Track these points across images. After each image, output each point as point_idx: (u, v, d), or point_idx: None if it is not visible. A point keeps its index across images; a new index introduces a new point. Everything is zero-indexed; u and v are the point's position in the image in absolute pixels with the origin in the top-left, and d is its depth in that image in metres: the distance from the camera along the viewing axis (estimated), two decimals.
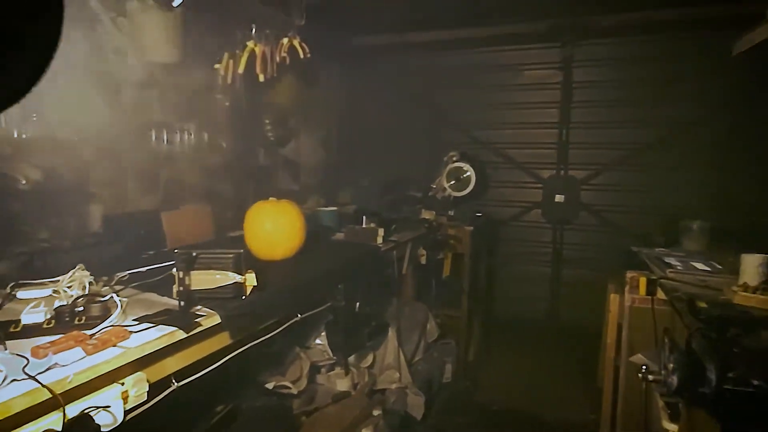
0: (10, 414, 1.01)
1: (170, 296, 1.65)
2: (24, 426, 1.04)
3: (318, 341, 2.85)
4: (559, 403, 3.45)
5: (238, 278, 1.64)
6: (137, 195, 3.25)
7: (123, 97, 3.17)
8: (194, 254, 1.62)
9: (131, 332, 1.32)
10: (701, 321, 1.51)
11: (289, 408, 2.50)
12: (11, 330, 1.30)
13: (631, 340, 2.45)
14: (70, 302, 1.47)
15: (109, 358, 1.20)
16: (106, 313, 1.41)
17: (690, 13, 3.76)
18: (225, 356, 1.68)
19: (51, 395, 1.05)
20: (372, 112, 5.08)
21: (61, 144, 2.83)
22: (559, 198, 4.67)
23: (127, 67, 3.06)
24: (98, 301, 1.44)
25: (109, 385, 1.21)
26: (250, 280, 1.68)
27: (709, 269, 2.23)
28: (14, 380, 1.05)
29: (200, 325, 1.48)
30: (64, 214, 2.67)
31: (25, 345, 1.21)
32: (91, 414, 1.14)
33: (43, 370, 1.10)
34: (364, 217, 2.97)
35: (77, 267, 1.82)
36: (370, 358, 3.05)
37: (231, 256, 1.63)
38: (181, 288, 1.55)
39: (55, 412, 1.08)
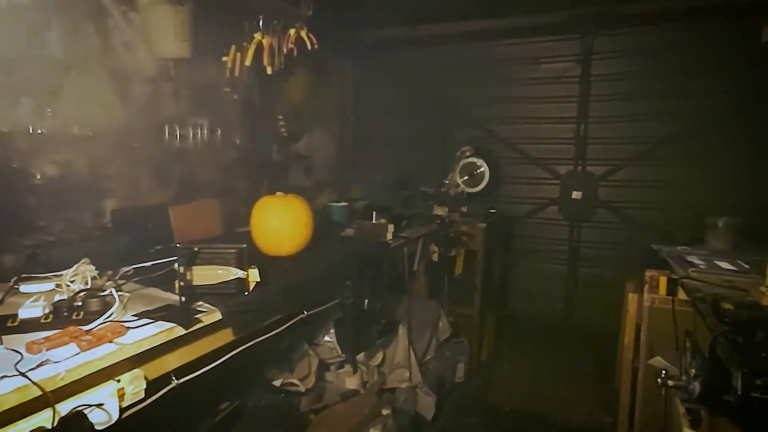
0: None
1: (173, 292, 1.63)
2: (14, 423, 1.01)
3: (327, 338, 2.81)
4: (575, 404, 3.36)
5: (240, 274, 1.60)
6: (148, 190, 3.25)
7: (135, 92, 3.17)
8: (196, 249, 1.58)
9: (128, 328, 1.29)
10: (726, 324, 1.42)
11: (296, 406, 2.46)
12: (8, 324, 1.29)
13: (650, 341, 2.36)
14: (69, 297, 1.44)
15: (104, 355, 1.17)
16: (104, 309, 1.38)
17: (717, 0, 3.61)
18: (228, 353, 1.65)
19: (41, 392, 1.03)
20: (384, 107, 5.02)
21: (73, 139, 2.84)
22: (576, 194, 4.54)
23: (138, 62, 3.06)
24: (97, 296, 1.41)
25: (104, 382, 1.18)
26: (253, 275, 1.65)
27: (735, 269, 2.12)
28: (5, 376, 1.02)
29: (200, 321, 1.45)
30: (74, 208, 2.68)
31: (21, 340, 1.19)
32: (85, 412, 1.11)
33: (34, 366, 1.07)
34: (374, 213, 2.91)
35: (82, 261, 1.81)
36: (379, 356, 3.00)
37: (233, 251, 1.60)
38: (182, 283, 1.52)
39: (47, 409, 1.05)
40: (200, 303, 1.55)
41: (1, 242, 1.96)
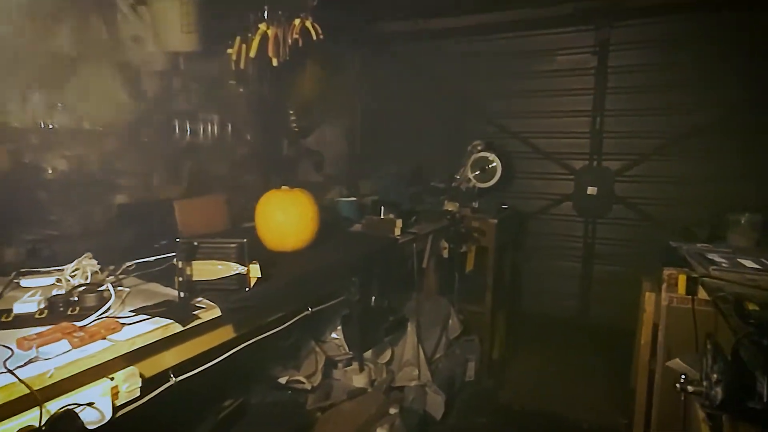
0: None
1: (174, 287, 1.59)
2: (2, 422, 0.98)
3: (334, 335, 2.77)
4: (588, 405, 3.27)
5: (240, 269, 1.55)
6: (158, 185, 3.24)
7: (144, 86, 3.16)
8: (195, 243, 1.54)
9: (123, 324, 1.26)
10: (751, 325, 1.33)
11: (302, 404, 2.42)
12: (2, 319, 1.26)
13: (668, 342, 2.27)
14: (66, 292, 1.42)
15: (95, 352, 1.13)
16: (101, 304, 1.35)
17: None
18: (229, 350, 1.61)
19: (29, 390, 0.99)
20: (395, 101, 4.94)
21: (81, 134, 2.84)
22: (591, 190, 4.43)
23: (147, 56, 3.04)
24: (93, 291, 1.38)
25: (96, 380, 1.15)
26: (254, 271, 1.60)
27: (759, 267, 2.01)
28: None
29: (198, 318, 1.41)
30: (81, 203, 2.68)
31: (14, 336, 1.16)
32: (76, 411, 1.08)
33: (23, 363, 1.04)
34: (382, 208, 2.85)
35: (84, 256, 1.79)
36: (388, 354, 2.95)
37: (234, 245, 1.55)
38: (181, 279, 1.48)
39: (35, 408, 1.02)
40: (200, 299, 1.51)
41: (5, 236, 1.95)
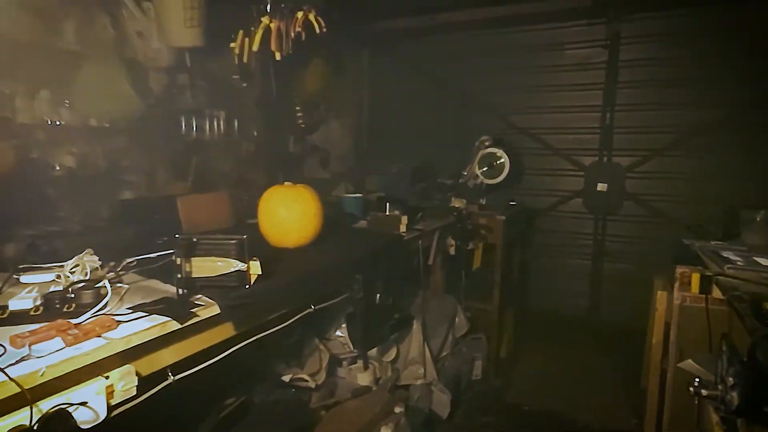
0: None
1: (174, 284, 1.57)
2: None
3: (339, 333, 2.74)
4: (598, 406, 3.22)
5: (240, 266, 1.52)
6: (161, 181, 3.24)
7: (150, 82, 3.15)
8: (195, 240, 1.52)
9: (119, 322, 1.23)
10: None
11: (306, 402, 2.40)
12: None
13: (680, 342, 2.21)
14: (64, 288, 1.39)
15: (90, 350, 1.10)
16: (97, 301, 1.33)
17: None
18: (229, 348, 1.58)
19: (20, 389, 0.97)
20: (402, 97, 4.90)
21: (84, 130, 2.84)
22: (601, 186, 4.36)
23: (153, 53, 3.03)
24: (90, 288, 1.35)
25: (90, 378, 1.12)
26: (254, 268, 1.57)
27: None
28: None
29: (197, 315, 1.38)
30: (86, 199, 2.67)
31: (8, 333, 1.14)
32: (69, 410, 1.06)
33: (15, 361, 1.02)
34: (387, 204, 2.81)
35: (85, 252, 1.77)
36: (393, 352, 2.92)
37: (233, 242, 1.52)
38: (180, 275, 1.46)
39: (27, 407, 1.00)
40: (199, 296, 1.49)
41: (7, 232, 1.94)
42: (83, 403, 1.06)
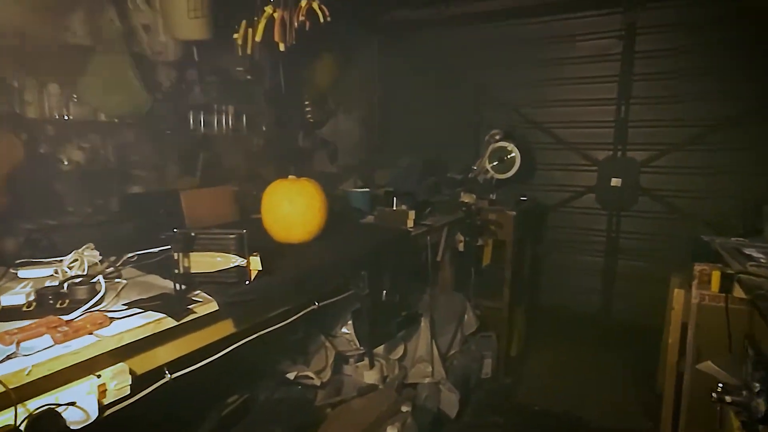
0: None
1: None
2: None
3: (345, 329, 2.69)
4: (610, 406, 3.13)
5: (240, 261, 1.48)
6: (169, 175, 3.21)
7: (158, 77, 3.13)
8: (193, 234, 1.47)
9: (112, 319, 1.19)
10: None
11: (311, 400, 2.36)
12: None
13: (698, 342, 2.12)
14: (59, 284, 1.36)
15: (79, 348, 1.06)
16: (92, 297, 1.29)
17: None
18: (230, 345, 1.54)
19: (4, 388, 0.93)
20: (412, 91, 4.82)
21: (92, 125, 2.82)
22: (615, 182, 4.24)
23: (160, 46, 2.99)
24: (85, 284, 1.32)
25: (80, 377, 1.08)
26: (255, 263, 1.52)
27: None
28: None
29: (194, 312, 1.33)
30: (92, 194, 2.65)
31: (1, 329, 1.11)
32: (58, 410, 1.02)
33: (0, 359, 0.98)
34: (394, 199, 2.75)
35: (85, 246, 1.74)
36: (400, 350, 2.87)
37: (232, 236, 1.47)
38: (177, 271, 1.41)
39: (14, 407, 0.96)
40: (197, 292, 1.44)
41: (9, 226, 1.92)
42: (72, 403, 1.02)
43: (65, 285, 1.32)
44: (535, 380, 3.50)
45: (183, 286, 1.41)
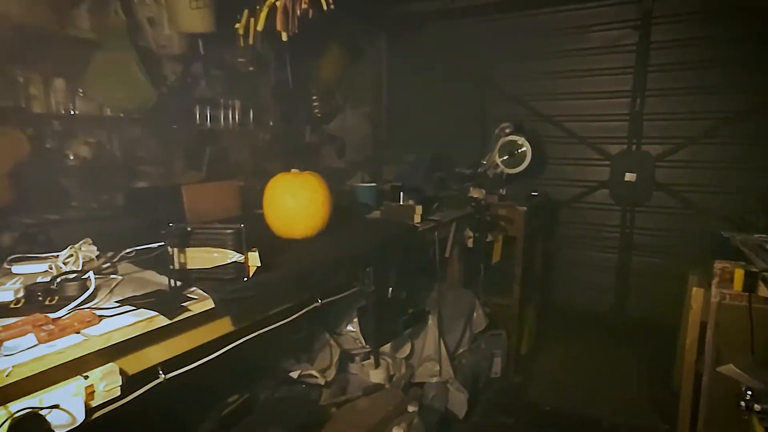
0: None
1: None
2: None
3: (350, 327, 2.64)
4: (624, 407, 3.05)
5: (237, 257, 1.42)
6: (175, 170, 3.18)
7: (163, 71, 3.09)
8: (189, 229, 1.42)
9: (101, 317, 1.14)
10: None
11: (315, 399, 2.30)
12: None
13: (718, 343, 2.03)
14: (50, 280, 1.31)
15: (64, 348, 1.01)
16: (82, 293, 1.24)
17: None
18: (227, 344, 1.49)
19: None
20: (420, 84, 4.73)
21: (98, 120, 2.79)
22: (629, 176, 4.13)
23: (164, 39, 2.96)
24: (76, 280, 1.27)
25: (66, 378, 1.03)
26: (253, 259, 1.46)
27: None
28: None
29: (188, 310, 1.28)
30: (94, 188, 2.62)
31: None
32: (42, 413, 0.97)
33: None
34: (401, 194, 2.68)
35: (82, 241, 1.70)
36: (407, 348, 2.80)
37: (230, 231, 1.42)
38: (172, 267, 1.36)
39: None
40: (193, 289, 1.39)
41: (5, 221, 1.89)
42: (55, 406, 0.97)
43: (56, 281, 1.27)
44: (546, 379, 3.42)
45: (178, 283, 1.36)
